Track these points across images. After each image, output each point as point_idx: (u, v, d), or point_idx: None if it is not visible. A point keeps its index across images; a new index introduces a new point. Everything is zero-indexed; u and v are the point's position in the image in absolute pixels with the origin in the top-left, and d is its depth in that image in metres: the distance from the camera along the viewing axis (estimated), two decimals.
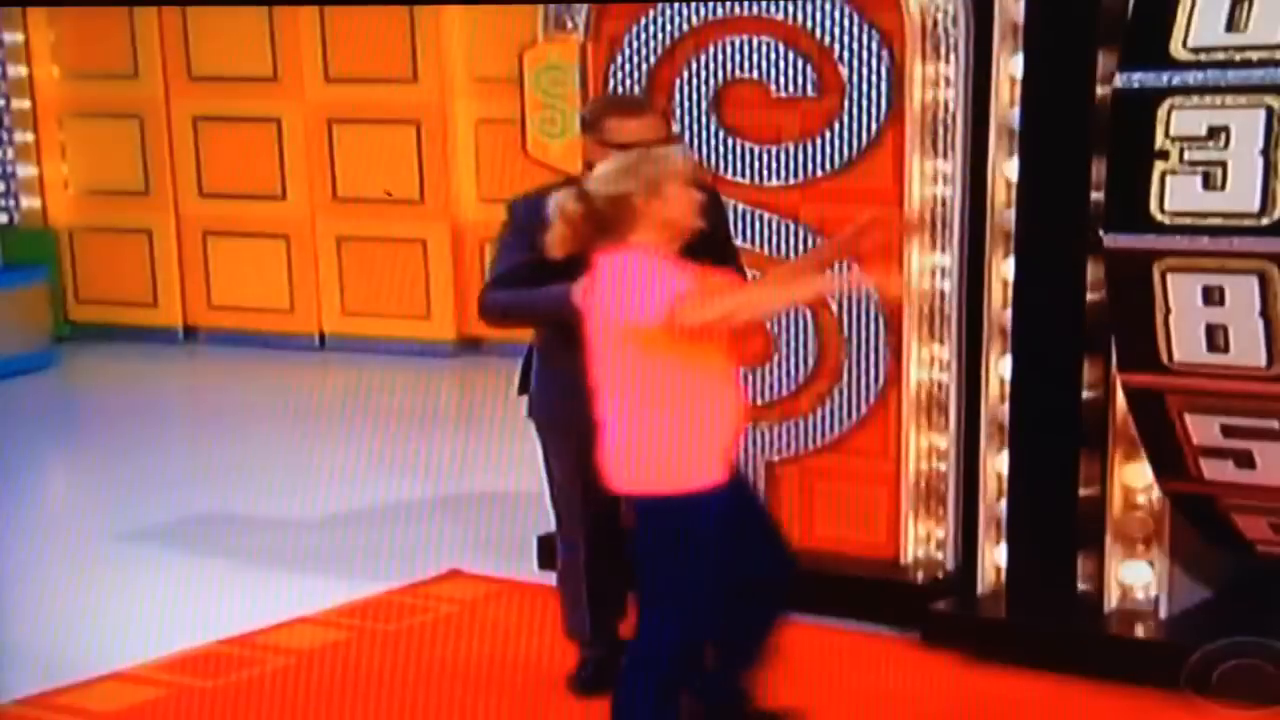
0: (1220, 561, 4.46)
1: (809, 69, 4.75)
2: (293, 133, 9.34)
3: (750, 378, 4.98)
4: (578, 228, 3.60)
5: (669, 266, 3.53)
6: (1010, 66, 4.38)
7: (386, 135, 9.08)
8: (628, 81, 5.00)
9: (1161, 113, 3.89)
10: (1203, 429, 4.02)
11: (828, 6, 4.67)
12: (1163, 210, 3.91)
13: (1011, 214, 4.41)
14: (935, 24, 4.56)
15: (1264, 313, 3.82)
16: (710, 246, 3.87)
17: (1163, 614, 4.41)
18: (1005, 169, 4.42)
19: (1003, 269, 4.47)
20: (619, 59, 5.01)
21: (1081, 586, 4.44)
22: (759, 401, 4.99)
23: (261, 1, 9.24)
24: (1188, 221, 3.88)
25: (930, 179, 4.65)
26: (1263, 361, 3.86)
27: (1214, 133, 3.85)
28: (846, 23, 4.67)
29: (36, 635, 4.84)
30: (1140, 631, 4.40)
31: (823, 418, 4.92)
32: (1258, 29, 3.81)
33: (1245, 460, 4.01)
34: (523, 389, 4.29)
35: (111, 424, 8.14)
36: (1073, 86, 4.22)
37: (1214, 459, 4.05)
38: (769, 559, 3.86)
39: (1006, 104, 4.40)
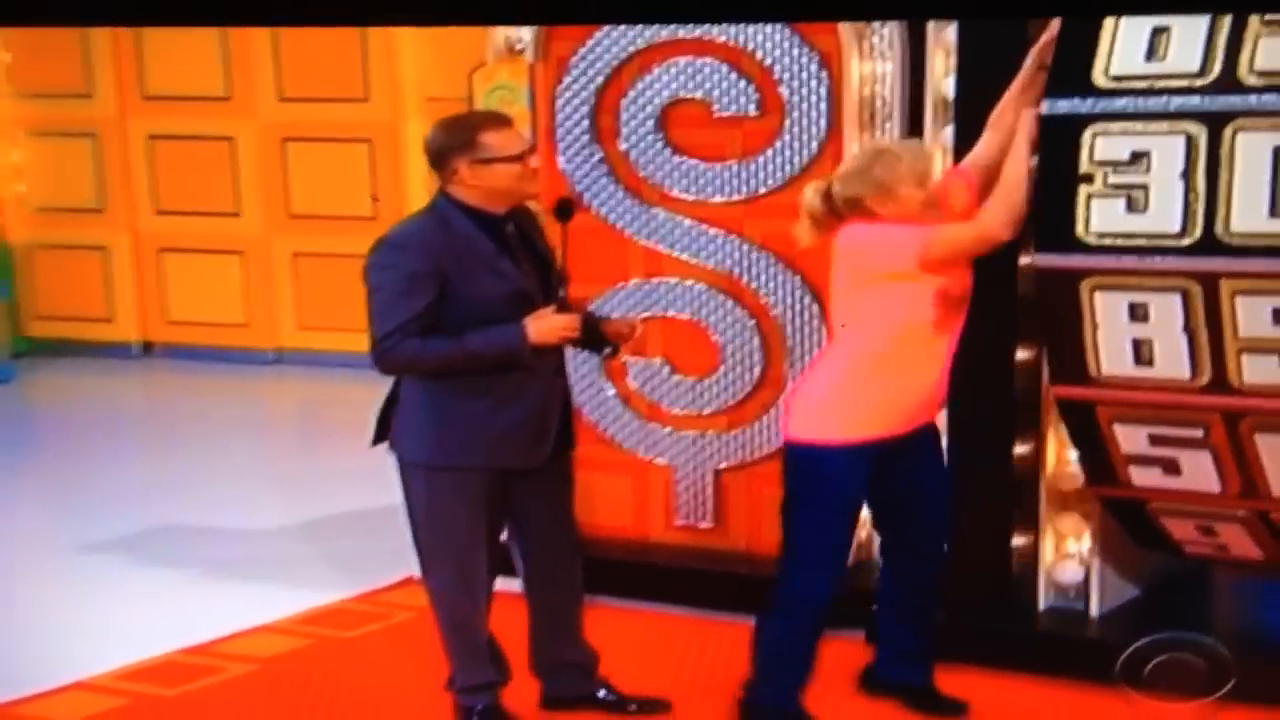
0: (1147, 562, 4.55)
1: (751, 89, 4.81)
2: (247, 151, 9.32)
3: (699, 387, 5.04)
4: (820, 221, 3.87)
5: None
6: (942, 138, 4.44)
7: (339, 154, 9.07)
8: (575, 100, 5.05)
9: (1086, 138, 3.96)
10: (1131, 438, 4.10)
11: (768, 29, 4.73)
12: (1089, 231, 3.98)
13: None
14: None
15: (1187, 327, 3.91)
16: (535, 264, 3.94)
17: (1093, 612, 4.49)
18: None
19: None
20: (567, 80, 5.05)
21: (1017, 587, 4.51)
22: (706, 410, 5.05)
23: (215, 22, 9.20)
24: (1113, 242, 3.96)
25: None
26: (1187, 374, 3.94)
27: (1136, 158, 3.93)
28: (786, 44, 4.73)
29: None
30: (1072, 629, 4.47)
31: (768, 425, 4.97)
32: (1176, 59, 3.89)
33: (1172, 468, 4.09)
34: (381, 438, 3.99)
35: (70, 438, 8.09)
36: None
37: (1142, 466, 4.13)
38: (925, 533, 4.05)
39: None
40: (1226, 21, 3.83)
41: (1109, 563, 4.50)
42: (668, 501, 5.12)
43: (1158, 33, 3.92)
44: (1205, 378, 3.92)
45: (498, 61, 5.25)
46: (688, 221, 4.95)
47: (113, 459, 7.48)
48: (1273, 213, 3.78)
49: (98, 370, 9.51)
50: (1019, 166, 3.84)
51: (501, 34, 5.17)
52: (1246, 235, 3.81)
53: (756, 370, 4.97)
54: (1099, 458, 4.18)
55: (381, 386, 4.04)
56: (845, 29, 4.65)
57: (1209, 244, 3.84)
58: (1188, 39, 3.89)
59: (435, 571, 4.03)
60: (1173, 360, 3.94)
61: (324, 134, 9.08)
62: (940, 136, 4.44)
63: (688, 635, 4.74)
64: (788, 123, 4.77)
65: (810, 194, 3.90)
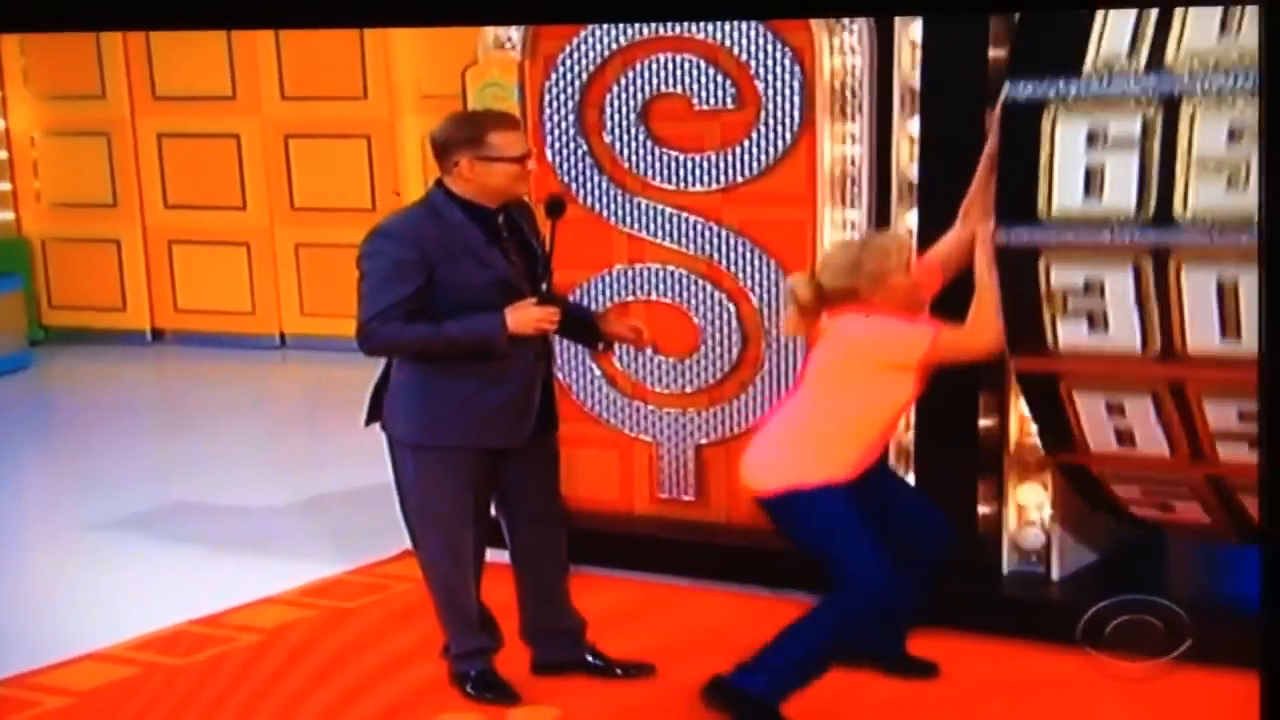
0: (1105, 528, 4.54)
1: (728, 84, 4.77)
2: (251, 147, 9.27)
3: (680, 367, 5.01)
4: (808, 311, 3.86)
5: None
6: (909, 127, 4.43)
7: (339, 149, 9.03)
8: (562, 96, 5.01)
9: (1046, 126, 3.93)
10: (1089, 406, 4.07)
11: (744, 27, 4.70)
12: (1050, 209, 3.95)
13: (914, 216, 4.47)
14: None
15: (1138, 300, 3.88)
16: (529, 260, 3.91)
17: (1054, 575, 4.48)
18: (908, 205, 4.47)
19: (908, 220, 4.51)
20: (554, 76, 5.01)
21: (981, 549, 4.49)
22: (688, 389, 5.02)
23: (221, 26, 9.14)
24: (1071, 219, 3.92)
25: (840, 207, 4.67)
26: (1138, 344, 3.92)
27: (1093, 139, 3.90)
28: (762, 41, 4.70)
29: (17, 620, 4.79)
30: (1033, 592, 4.46)
31: (746, 403, 4.95)
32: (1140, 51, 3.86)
33: (1127, 435, 4.07)
34: (374, 418, 3.98)
35: (85, 421, 8.05)
36: (966, 140, 4.23)
37: (1099, 433, 4.10)
38: (926, 529, 4.01)
39: (906, 159, 4.44)
40: None
41: (1068, 529, 4.49)
42: (651, 475, 5.10)
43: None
44: (1155, 347, 3.89)
45: (489, 60, 5.21)
46: (669, 210, 4.92)
47: (125, 440, 7.44)
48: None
49: (111, 357, 9.46)
50: (993, 286, 3.91)
51: (491, 33, 5.12)
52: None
53: (735, 351, 4.94)
54: (1058, 426, 4.15)
55: (380, 369, 4.02)
56: (817, 25, 4.61)
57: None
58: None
59: (425, 545, 4.02)
60: (1125, 331, 3.91)
61: (324, 130, 9.04)
62: (907, 126, 4.42)
63: (670, 602, 4.73)
64: (763, 115, 4.74)
65: (800, 285, 3.88)
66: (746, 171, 4.80)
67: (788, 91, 4.69)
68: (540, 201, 4.06)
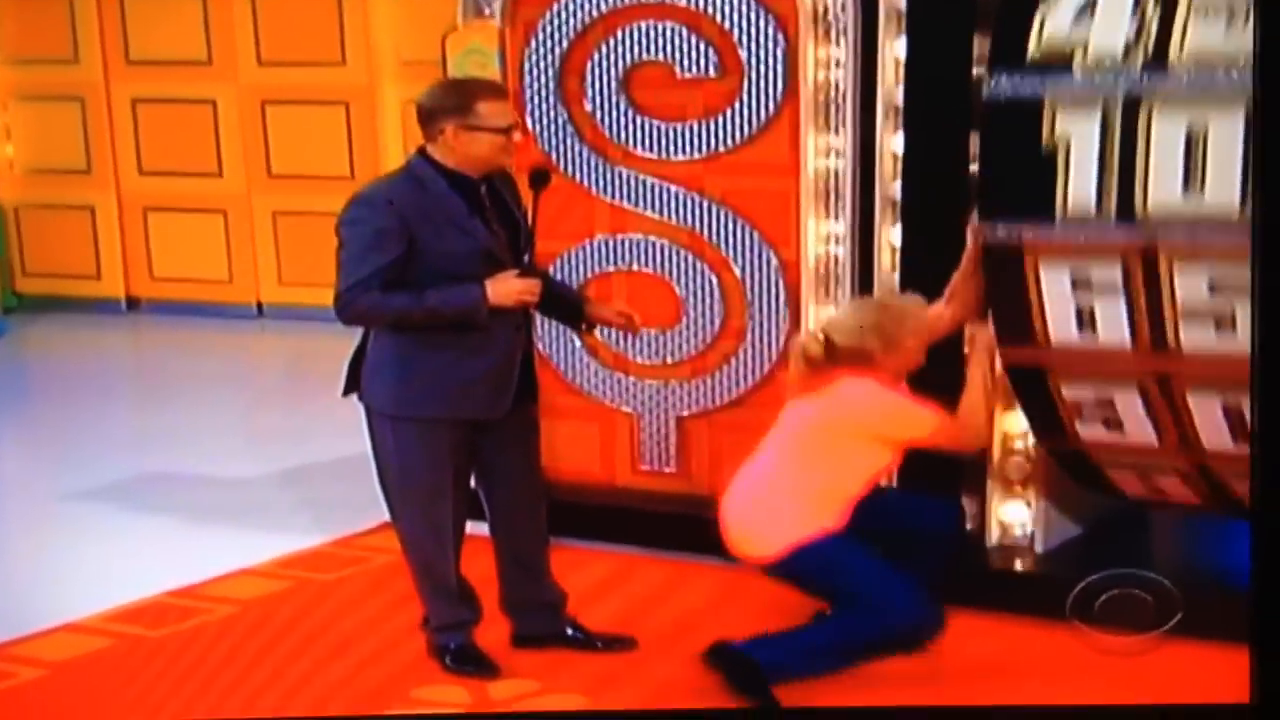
0: (1089, 501, 4.54)
1: (711, 51, 4.74)
2: (227, 114, 9.20)
3: (662, 338, 5.00)
4: (817, 368, 3.82)
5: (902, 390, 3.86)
6: (895, 49, 4.40)
7: (317, 116, 8.96)
8: (542, 64, 4.97)
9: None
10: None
11: None
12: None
13: (898, 185, 4.45)
14: (826, 10, 4.57)
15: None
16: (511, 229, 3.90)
17: (1039, 549, 4.49)
18: (891, 143, 4.45)
19: (890, 235, 4.50)
20: (534, 43, 4.97)
21: (965, 525, 4.50)
22: (670, 360, 5.01)
23: None
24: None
25: (823, 153, 4.66)
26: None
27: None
28: (744, 8, 4.66)
29: None
30: (1018, 565, 4.48)
31: (728, 375, 4.94)
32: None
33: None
34: (351, 388, 3.95)
35: (59, 390, 8.01)
36: (952, 64, 4.25)
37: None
38: (932, 520, 4.05)
39: (892, 83, 4.42)
40: None
41: (1052, 502, 4.50)
42: (632, 447, 5.09)
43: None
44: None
45: (469, 26, 5.17)
46: (651, 180, 4.90)
47: (101, 410, 7.40)
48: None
49: (86, 325, 9.40)
50: (984, 388, 3.96)
51: None
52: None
53: (717, 322, 4.92)
54: (1047, 417, 4.15)
55: (358, 339, 3.99)
56: None
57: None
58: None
59: (403, 517, 4.01)
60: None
61: (302, 97, 8.97)
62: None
63: (651, 575, 4.72)
64: (746, 84, 4.71)
65: (810, 343, 3.87)
66: (729, 141, 4.77)
67: (771, 60, 4.66)
68: (524, 172, 4.03)
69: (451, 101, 3.82)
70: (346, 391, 3.98)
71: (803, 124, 4.62)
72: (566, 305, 4.18)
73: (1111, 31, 3.82)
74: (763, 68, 4.68)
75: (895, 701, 3.85)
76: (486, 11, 5.08)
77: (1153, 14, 3.78)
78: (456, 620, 4.06)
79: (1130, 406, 4.02)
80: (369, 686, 4.02)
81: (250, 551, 5.05)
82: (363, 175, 8.90)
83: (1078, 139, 3.85)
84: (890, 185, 4.48)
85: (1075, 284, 3.93)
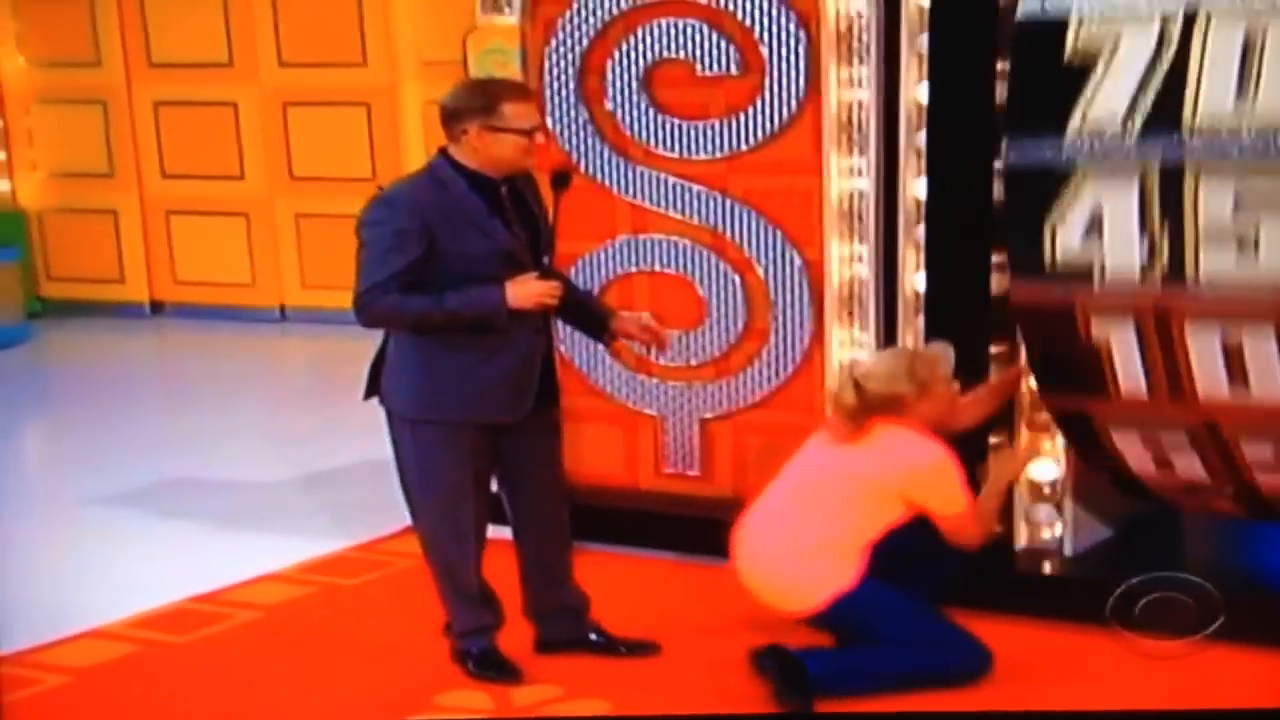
0: (1119, 503, 4.51)
1: (732, 49, 4.72)
2: (249, 116, 9.24)
3: (685, 339, 4.98)
4: (852, 415, 3.87)
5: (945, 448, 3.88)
6: (918, 47, 4.37)
7: (339, 117, 9.00)
8: (562, 62, 4.96)
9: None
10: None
11: None
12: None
13: (923, 186, 4.42)
14: (848, 9, 4.55)
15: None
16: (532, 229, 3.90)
17: (1068, 551, 4.46)
18: (916, 144, 4.42)
19: (915, 238, 4.48)
20: (554, 42, 4.97)
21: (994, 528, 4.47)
22: (693, 361, 4.99)
23: None
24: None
25: (847, 153, 4.63)
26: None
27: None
28: (766, 5, 4.64)
29: (15, 596, 4.77)
30: (1048, 568, 4.44)
31: (752, 376, 4.92)
32: None
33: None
34: (372, 392, 3.95)
35: (83, 395, 8.05)
36: (976, 70, 4.23)
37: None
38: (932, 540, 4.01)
39: (915, 82, 4.40)
40: None
41: (1081, 504, 4.46)
42: (656, 450, 5.08)
43: None
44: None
45: (489, 25, 5.16)
46: (672, 179, 4.88)
47: (124, 415, 7.44)
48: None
49: (109, 329, 9.46)
50: (1000, 496, 4.06)
51: None
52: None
53: (740, 323, 4.90)
54: (1059, 364, 4.14)
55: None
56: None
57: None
58: None
59: (424, 521, 4.01)
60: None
61: (323, 98, 9.00)
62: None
63: (675, 579, 4.71)
64: (768, 81, 4.69)
65: (844, 394, 3.90)
66: (751, 139, 4.75)
67: (793, 57, 4.64)
68: (546, 172, 4.02)
69: (476, 102, 3.81)
70: (368, 395, 3.99)
71: (825, 144, 4.61)
72: (591, 316, 4.17)
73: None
74: (784, 65, 4.66)
75: (923, 707, 3.83)
76: (506, 10, 5.07)
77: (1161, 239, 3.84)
78: (478, 625, 4.06)
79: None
80: (392, 692, 4.02)
81: (273, 556, 5.06)
82: (385, 176, 8.91)
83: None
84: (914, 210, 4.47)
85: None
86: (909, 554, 3.91)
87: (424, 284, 3.78)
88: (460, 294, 3.77)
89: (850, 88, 4.59)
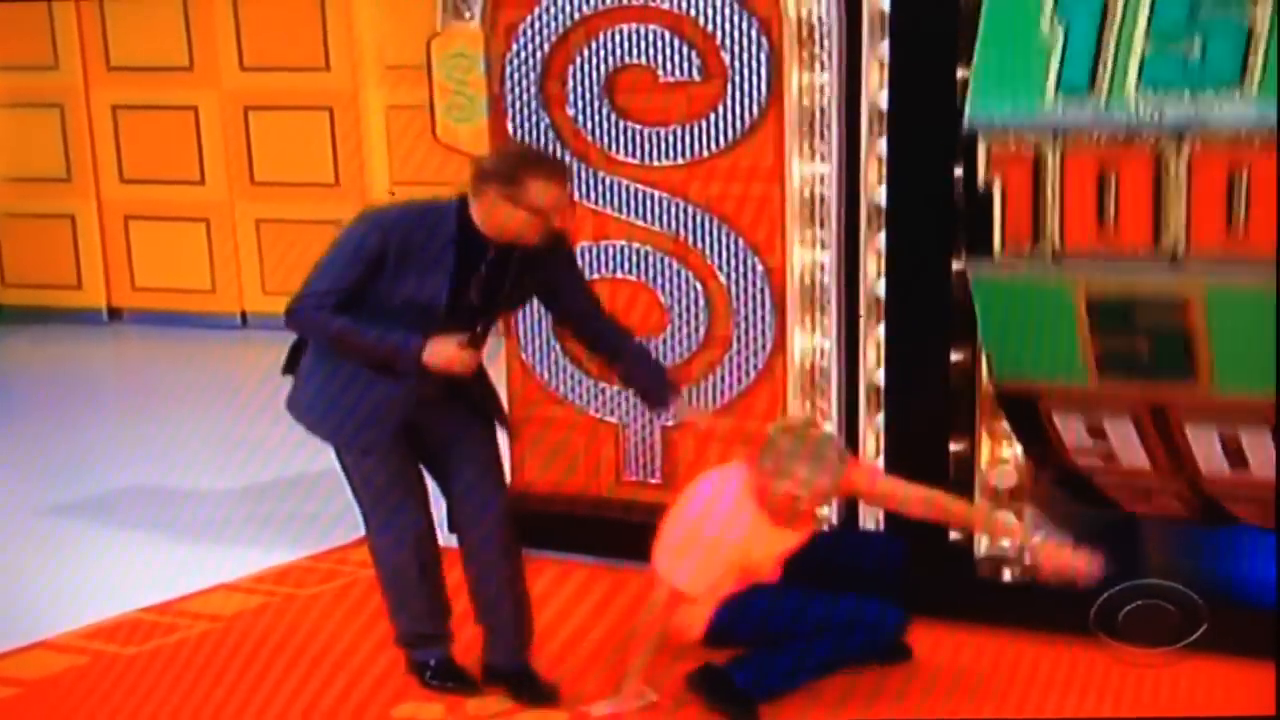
0: (1079, 511, 4.55)
1: (694, 55, 4.75)
2: (210, 120, 9.21)
3: (646, 346, 4.99)
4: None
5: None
6: (879, 52, 4.42)
7: (301, 122, 8.98)
8: (524, 68, 4.98)
9: None
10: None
11: None
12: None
13: (883, 191, 4.46)
14: (809, 14, 4.58)
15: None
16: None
17: (1028, 559, 4.49)
18: (877, 149, 4.46)
19: (876, 242, 4.52)
20: (515, 47, 4.98)
21: (953, 536, 4.51)
22: None
23: None
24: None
25: (808, 159, 4.68)
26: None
27: None
28: (728, 11, 4.68)
29: None
30: (1007, 575, 4.48)
31: (713, 384, 4.95)
32: None
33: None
34: (290, 369, 4.05)
35: (39, 402, 8.00)
36: (936, 69, 4.27)
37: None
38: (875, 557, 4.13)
39: (876, 87, 4.44)
40: None
41: (1041, 510, 4.50)
42: (617, 458, 5.10)
43: None
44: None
45: (453, 30, 5.18)
46: (634, 185, 4.91)
47: (80, 422, 7.40)
48: None
49: (66, 336, 9.40)
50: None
51: (450, 1, 5.09)
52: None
53: (702, 330, 4.93)
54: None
55: None
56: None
57: None
58: None
59: (373, 526, 4.02)
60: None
61: (285, 103, 8.98)
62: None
63: (636, 587, 4.72)
64: (730, 87, 4.72)
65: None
66: (713, 145, 4.78)
67: (754, 63, 4.67)
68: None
69: (504, 169, 3.79)
70: (286, 370, 4.05)
71: (787, 149, 4.64)
72: (651, 389, 4.17)
73: None
74: (746, 71, 4.69)
75: (885, 716, 3.86)
76: (467, 15, 5.09)
77: None
78: (425, 635, 4.06)
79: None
80: (347, 703, 4.02)
81: (229, 566, 5.06)
82: (347, 181, 8.94)
83: None
84: (875, 193, 4.50)
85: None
86: (847, 575, 3.96)
87: (357, 303, 3.77)
88: (383, 331, 3.77)
89: (812, 93, 4.64)
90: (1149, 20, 3.83)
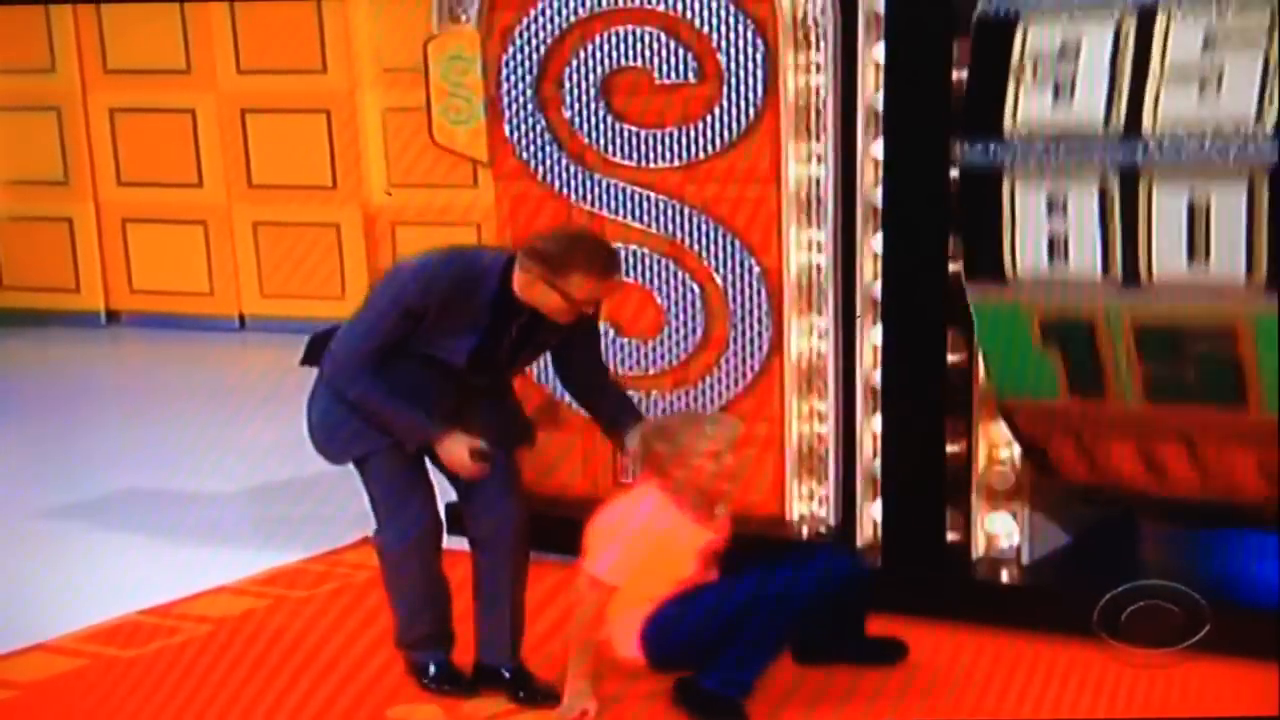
0: (1076, 511, 4.56)
1: (690, 57, 4.76)
2: (207, 123, 9.22)
3: (644, 348, 5.01)
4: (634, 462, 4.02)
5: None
6: (874, 54, 4.43)
7: (298, 124, 8.99)
8: (520, 70, 4.99)
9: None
10: None
11: None
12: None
13: (879, 192, 4.47)
14: (805, 15, 4.59)
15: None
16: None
17: (1025, 559, 4.51)
18: (873, 150, 4.47)
19: (872, 243, 4.52)
20: (511, 49, 4.99)
21: (951, 537, 4.51)
22: (652, 370, 5.02)
23: None
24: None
25: (804, 160, 4.69)
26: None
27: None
28: (723, 13, 4.68)
29: None
30: (1005, 576, 4.49)
31: (711, 385, 4.95)
32: None
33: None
34: (310, 359, 4.05)
35: (37, 405, 8.01)
36: (932, 71, 4.27)
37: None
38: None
39: (872, 89, 4.45)
40: None
41: (1038, 511, 4.51)
42: (615, 460, 5.10)
43: None
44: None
45: (450, 32, 5.18)
46: (630, 187, 4.91)
47: (79, 426, 7.41)
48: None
49: (64, 339, 9.42)
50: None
51: (446, 4, 5.09)
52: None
53: (699, 332, 4.94)
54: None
55: None
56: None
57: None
58: None
59: (380, 520, 4.03)
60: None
61: (282, 105, 8.99)
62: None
63: None
64: (726, 89, 4.73)
65: (631, 437, 3.99)
66: (709, 148, 4.79)
67: (750, 64, 4.68)
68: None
69: (555, 253, 3.80)
70: (307, 361, 4.04)
71: (783, 150, 4.65)
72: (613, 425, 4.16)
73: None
74: (742, 73, 4.70)
75: (885, 716, 3.87)
76: (463, 17, 5.10)
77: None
78: (426, 635, 4.07)
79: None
80: (345, 705, 4.03)
81: (227, 568, 5.06)
82: (344, 184, 8.95)
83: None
84: (871, 192, 4.51)
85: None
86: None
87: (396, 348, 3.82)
88: (408, 411, 3.81)
89: (808, 93, 4.65)
90: None
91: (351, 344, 3.85)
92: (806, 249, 4.74)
